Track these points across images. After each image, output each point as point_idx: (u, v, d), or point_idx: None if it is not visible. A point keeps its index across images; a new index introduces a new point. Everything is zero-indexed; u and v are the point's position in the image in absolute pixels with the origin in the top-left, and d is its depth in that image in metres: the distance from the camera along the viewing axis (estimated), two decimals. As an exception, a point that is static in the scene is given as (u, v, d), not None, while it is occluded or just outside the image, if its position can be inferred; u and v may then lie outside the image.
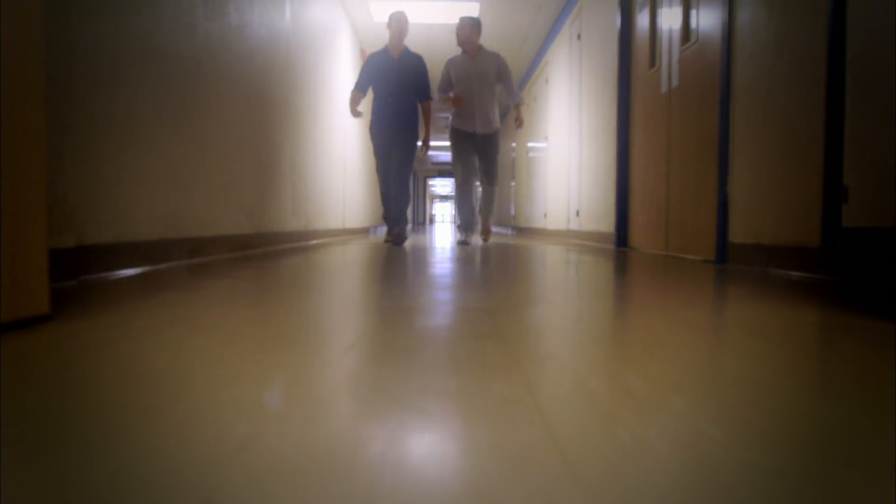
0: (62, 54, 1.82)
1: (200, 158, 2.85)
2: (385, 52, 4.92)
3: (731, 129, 2.93)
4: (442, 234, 9.11)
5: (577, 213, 6.17)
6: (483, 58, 4.96)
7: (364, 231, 8.73)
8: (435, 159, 23.45)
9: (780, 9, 2.50)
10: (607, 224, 5.04)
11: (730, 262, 2.94)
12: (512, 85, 5.10)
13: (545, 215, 8.13)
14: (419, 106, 5.02)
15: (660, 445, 0.54)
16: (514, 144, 11.40)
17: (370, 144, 9.02)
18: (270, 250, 3.73)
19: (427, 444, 0.54)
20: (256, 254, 3.36)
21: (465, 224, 5.19)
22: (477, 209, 5.47)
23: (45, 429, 0.57)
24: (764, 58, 2.62)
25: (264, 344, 0.96)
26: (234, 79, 3.26)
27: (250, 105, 3.56)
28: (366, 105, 8.17)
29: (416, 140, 4.93)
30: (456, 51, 6.60)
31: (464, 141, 5.01)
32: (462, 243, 5.04)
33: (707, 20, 3.25)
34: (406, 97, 4.86)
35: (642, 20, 4.34)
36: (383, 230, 10.22)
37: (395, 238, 4.86)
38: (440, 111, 13.31)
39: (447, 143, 18.54)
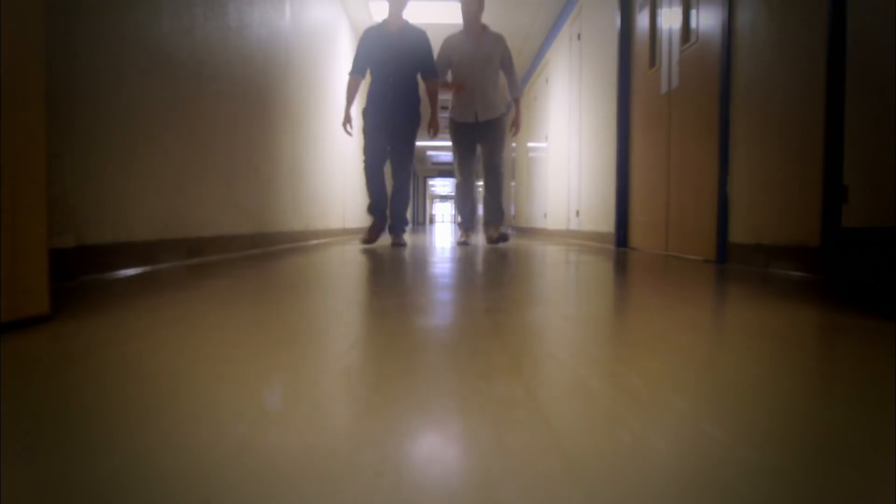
0: (63, 54, 1.82)
1: (200, 158, 2.85)
2: (383, 25, 4.31)
3: (731, 129, 2.93)
4: (442, 234, 9.11)
5: (577, 213, 6.17)
6: (487, 39, 4.48)
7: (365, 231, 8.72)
8: (435, 159, 23.44)
9: (780, 9, 2.50)
10: (607, 224, 5.04)
11: (730, 262, 2.94)
12: (514, 74, 4.67)
13: (545, 215, 8.13)
14: (423, 84, 4.47)
15: (660, 445, 0.54)
16: (514, 144, 11.41)
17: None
18: (271, 250, 3.73)
19: (427, 443, 0.54)
20: (257, 254, 3.36)
21: (465, 223, 4.93)
22: (479, 207, 5.33)
23: (45, 429, 0.57)
24: (764, 58, 2.62)
25: (264, 344, 0.96)
26: (234, 79, 3.26)
27: (250, 105, 3.56)
28: (358, 107, 7.91)
29: (417, 130, 4.43)
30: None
31: (464, 135, 4.62)
32: (461, 243, 4.78)
33: (707, 20, 3.25)
34: (407, 79, 4.31)
35: (642, 20, 4.34)
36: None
37: (372, 236, 4.35)
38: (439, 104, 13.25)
39: (447, 144, 18.52)
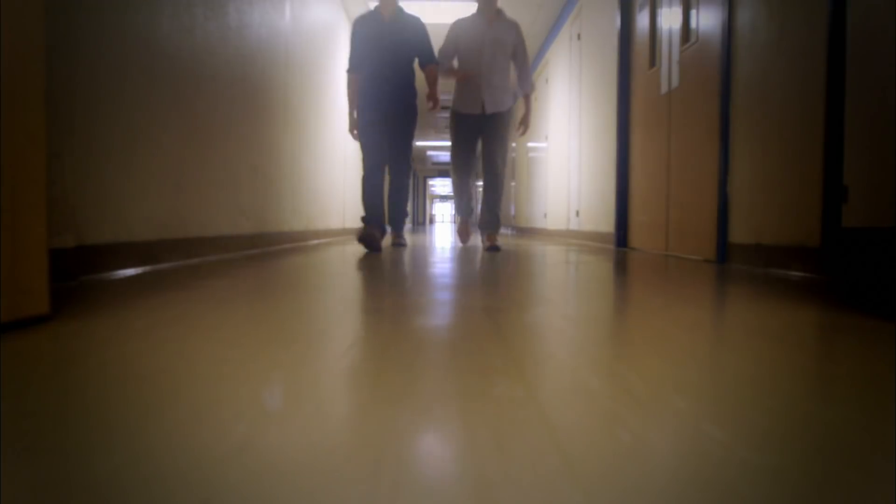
0: (63, 54, 1.82)
1: (200, 158, 2.85)
2: (375, 13, 3.93)
3: (731, 129, 2.93)
4: (442, 234, 9.10)
5: (577, 213, 6.17)
6: (500, 24, 4.04)
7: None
8: (435, 159, 23.45)
9: (780, 9, 2.50)
10: (607, 224, 5.04)
11: (730, 262, 2.94)
12: (527, 65, 4.20)
13: (545, 215, 8.13)
14: (422, 72, 4.01)
15: (660, 445, 0.54)
16: (514, 144, 11.41)
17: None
18: (271, 250, 3.73)
19: (427, 443, 0.54)
20: (256, 254, 3.36)
21: (461, 214, 4.52)
22: (478, 208, 5.10)
23: (45, 429, 0.57)
24: (764, 58, 2.62)
25: (264, 343, 0.96)
26: (234, 78, 3.26)
27: (250, 105, 3.56)
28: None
29: (415, 125, 4.04)
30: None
31: (466, 129, 4.14)
32: (462, 239, 4.61)
33: (707, 20, 3.25)
34: (403, 70, 3.92)
35: (642, 20, 4.34)
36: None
37: (367, 240, 3.69)
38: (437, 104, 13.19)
39: (447, 144, 18.50)
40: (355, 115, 3.98)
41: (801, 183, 2.36)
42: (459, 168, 4.27)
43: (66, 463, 0.49)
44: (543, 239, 6.91)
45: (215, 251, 3.04)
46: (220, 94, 3.07)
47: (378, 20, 3.91)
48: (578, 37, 6.18)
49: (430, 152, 21.02)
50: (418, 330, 1.10)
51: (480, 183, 4.77)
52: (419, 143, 18.26)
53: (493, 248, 4.04)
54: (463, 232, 4.61)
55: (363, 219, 3.92)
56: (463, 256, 3.40)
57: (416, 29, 3.95)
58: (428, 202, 38.41)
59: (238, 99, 3.34)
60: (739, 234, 2.85)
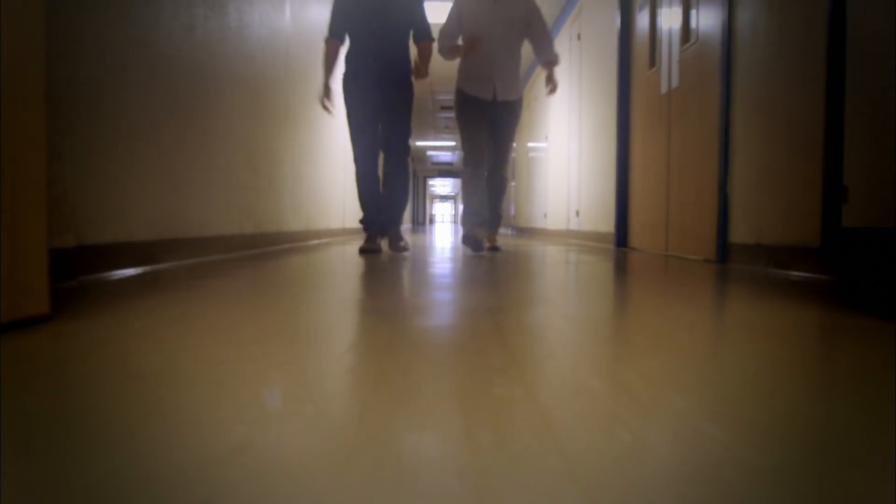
0: (63, 54, 1.82)
1: (200, 158, 2.85)
2: None
3: (731, 129, 2.93)
4: (442, 234, 9.10)
5: (577, 213, 6.17)
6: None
7: (364, 231, 8.70)
8: (435, 159, 23.45)
9: (780, 9, 2.50)
10: (607, 224, 5.04)
11: (730, 262, 2.94)
12: (547, 33, 3.73)
13: (545, 215, 8.13)
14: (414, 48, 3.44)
15: (660, 445, 0.54)
16: (514, 144, 11.39)
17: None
18: (270, 250, 3.73)
19: (427, 443, 0.54)
20: (256, 254, 3.36)
21: (476, 222, 3.72)
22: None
23: (45, 429, 0.57)
24: (764, 58, 2.62)
25: (264, 343, 0.96)
26: (233, 79, 3.26)
27: (250, 105, 3.56)
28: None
29: (411, 107, 3.47)
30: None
31: (476, 112, 3.64)
32: (472, 245, 3.66)
33: (707, 20, 3.25)
34: (395, 43, 3.36)
35: (642, 20, 4.34)
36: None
37: (371, 245, 3.32)
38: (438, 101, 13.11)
39: (448, 144, 18.47)
40: (329, 83, 3.45)
41: (801, 183, 2.36)
42: (473, 154, 3.65)
43: (66, 463, 0.49)
44: (543, 239, 6.91)
45: (215, 251, 3.04)
46: (220, 93, 3.07)
47: None
48: (578, 37, 6.18)
49: (430, 152, 21.01)
50: (418, 330, 1.10)
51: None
52: (419, 144, 18.22)
53: (493, 249, 3.90)
54: (475, 238, 3.69)
55: (362, 222, 3.56)
56: (462, 257, 3.40)
57: None
58: (428, 202, 38.42)
59: (238, 99, 3.34)
60: (739, 234, 2.85)
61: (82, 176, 1.93)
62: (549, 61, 3.79)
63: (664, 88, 3.89)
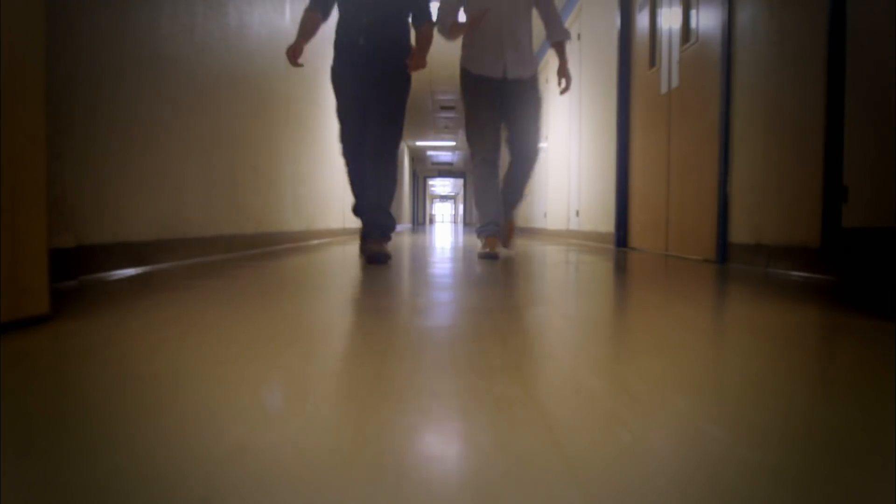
0: (63, 54, 1.82)
1: (199, 158, 2.85)
2: None
3: (730, 129, 2.93)
4: (442, 234, 9.10)
5: (577, 213, 6.17)
6: None
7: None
8: (435, 159, 23.45)
9: (780, 9, 2.50)
10: (607, 224, 5.04)
11: (730, 262, 2.94)
12: (554, 8, 3.30)
13: (545, 215, 8.13)
14: (411, 32, 3.01)
15: (660, 445, 0.54)
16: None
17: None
18: (271, 250, 3.73)
19: (427, 443, 0.54)
20: (257, 254, 3.36)
21: (490, 223, 3.25)
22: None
23: (45, 429, 0.57)
24: (764, 58, 2.62)
25: (263, 343, 0.96)
26: (234, 79, 3.26)
27: (250, 104, 3.56)
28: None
29: (407, 92, 3.00)
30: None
31: (485, 93, 3.18)
32: (487, 256, 3.18)
33: (707, 20, 3.25)
34: (389, 21, 2.93)
35: (642, 20, 4.34)
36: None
37: (373, 254, 2.79)
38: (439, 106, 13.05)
39: (449, 144, 18.44)
40: (302, 45, 2.94)
41: (801, 183, 2.36)
42: (480, 144, 3.20)
43: (66, 463, 0.49)
44: (543, 239, 6.91)
45: (215, 251, 3.04)
46: (219, 93, 3.07)
47: None
48: (578, 37, 6.18)
49: (430, 152, 21.01)
50: (418, 330, 1.10)
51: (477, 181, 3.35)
52: (419, 143, 18.21)
53: (490, 256, 3.27)
54: (494, 240, 3.27)
55: (355, 211, 3.15)
56: (462, 257, 3.39)
57: None
58: (428, 202, 38.43)
59: (238, 99, 3.34)
60: (739, 234, 2.85)
61: (82, 176, 1.93)
62: (560, 41, 3.34)
63: (664, 88, 3.89)
